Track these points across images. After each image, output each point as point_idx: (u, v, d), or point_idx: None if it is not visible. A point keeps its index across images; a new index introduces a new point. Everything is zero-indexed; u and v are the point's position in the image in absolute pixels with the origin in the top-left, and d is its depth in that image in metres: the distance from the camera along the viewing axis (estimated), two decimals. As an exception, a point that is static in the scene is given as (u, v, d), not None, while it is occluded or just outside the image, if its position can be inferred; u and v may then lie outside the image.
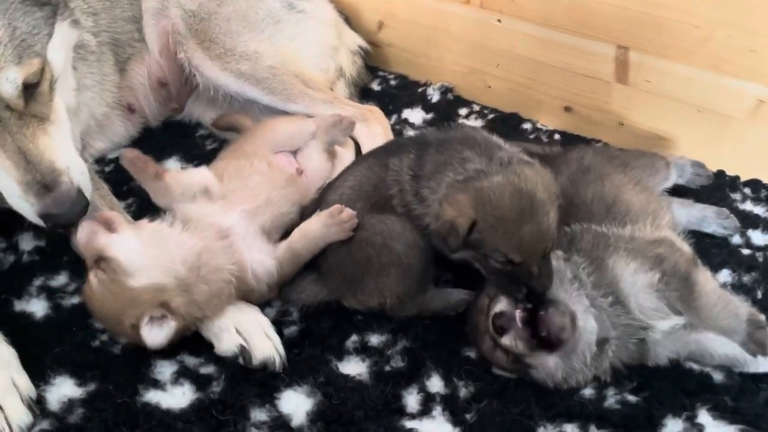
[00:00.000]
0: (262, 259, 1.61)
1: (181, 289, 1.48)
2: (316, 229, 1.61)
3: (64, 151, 1.54)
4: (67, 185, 1.49)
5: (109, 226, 1.52)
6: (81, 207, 1.51)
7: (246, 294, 1.61)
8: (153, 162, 1.65)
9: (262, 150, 1.85)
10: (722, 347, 1.47)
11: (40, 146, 1.49)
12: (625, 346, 1.47)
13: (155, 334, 1.45)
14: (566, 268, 1.48)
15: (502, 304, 1.44)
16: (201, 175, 1.70)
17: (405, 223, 1.58)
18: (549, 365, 1.43)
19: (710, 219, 1.83)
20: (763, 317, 1.39)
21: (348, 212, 1.59)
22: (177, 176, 1.67)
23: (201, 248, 1.53)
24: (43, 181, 1.47)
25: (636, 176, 1.71)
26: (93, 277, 1.48)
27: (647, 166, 1.79)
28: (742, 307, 1.39)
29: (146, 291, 1.45)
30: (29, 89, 1.48)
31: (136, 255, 1.48)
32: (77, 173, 1.53)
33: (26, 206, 1.49)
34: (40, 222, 1.51)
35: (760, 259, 1.78)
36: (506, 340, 1.42)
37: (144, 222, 1.60)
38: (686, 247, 1.52)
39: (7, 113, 1.46)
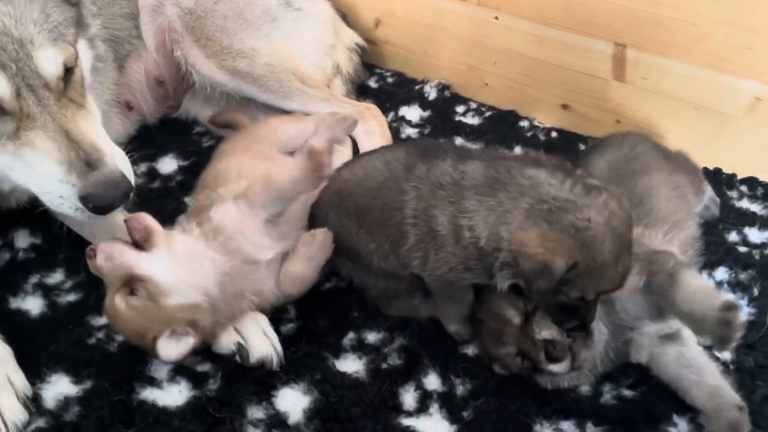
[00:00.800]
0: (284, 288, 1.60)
1: (211, 308, 1.46)
2: (294, 169, 1.56)
3: (104, 137, 1.50)
4: (112, 166, 1.43)
5: (146, 241, 1.46)
6: (124, 190, 1.44)
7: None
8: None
9: (272, 153, 1.82)
10: (666, 369, 1.45)
11: (81, 127, 1.44)
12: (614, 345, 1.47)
13: (172, 349, 1.42)
14: None
15: (550, 332, 1.40)
16: None
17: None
18: (560, 370, 1.42)
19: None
20: (737, 305, 1.33)
21: (326, 156, 1.57)
22: None
23: (230, 268, 1.50)
24: (87, 159, 1.41)
25: (679, 183, 1.66)
26: (120, 302, 1.42)
27: (694, 181, 1.75)
28: (717, 298, 1.33)
29: (180, 310, 1.42)
30: (66, 74, 1.46)
31: (171, 274, 1.44)
32: (120, 158, 1.48)
33: (67, 189, 1.40)
34: (77, 210, 1.42)
35: (757, 257, 1.79)
36: (556, 368, 1.40)
37: (175, 233, 1.55)
38: (683, 258, 1.49)
39: (47, 93, 1.41)
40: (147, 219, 1.51)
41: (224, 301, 1.49)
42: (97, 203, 1.42)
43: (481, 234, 1.37)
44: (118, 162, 1.46)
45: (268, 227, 1.57)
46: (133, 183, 1.48)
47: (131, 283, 1.43)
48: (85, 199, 1.41)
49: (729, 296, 1.39)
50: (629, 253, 1.34)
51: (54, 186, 1.42)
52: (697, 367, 1.45)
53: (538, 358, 1.40)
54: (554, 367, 1.39)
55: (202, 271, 1.48)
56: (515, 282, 1.38)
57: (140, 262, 1.44)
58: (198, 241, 1.52)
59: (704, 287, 1.38)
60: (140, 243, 1.48)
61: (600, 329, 1.44)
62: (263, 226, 1.56)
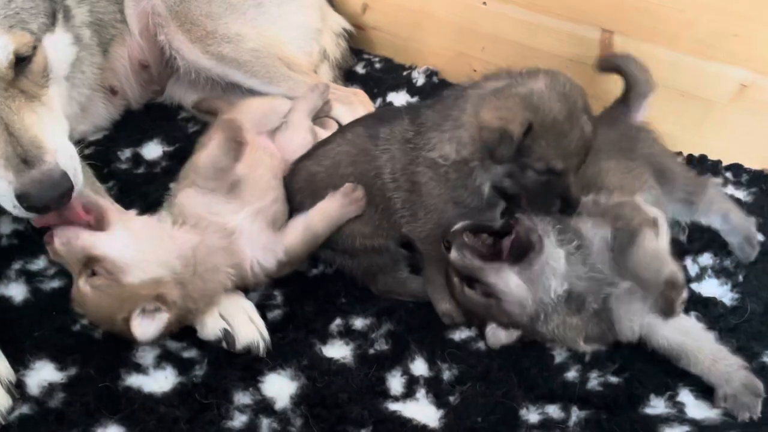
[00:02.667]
0: (264, 256, 1.59)
1: (177, 282, 1.45)
2: (334, 210, 1.61)
3: (52, 132, 1.45)
4: (51, 165, 1.38)
5: (99, 221, 1.45)
6: (62, 190, 1.39)
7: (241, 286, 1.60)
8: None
9: (250, 135, 1.82)
10: (666, 338, 1.46)
11: (25, 121, 1.40)
12: (595, 320, 1.48)
13: (146, 327, 1.41)
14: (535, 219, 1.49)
15: (455, 228, 1.47)
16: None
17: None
18: (512, 284, 1.43)
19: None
20: (683, 280, 1.36)
21: (361, 191, 1.61)
22: None
23: (196, 244, 1.50)
24: (24, 156, 1.37)
25: (631, 166, 1.65)
26: (84, 285, 1.42)
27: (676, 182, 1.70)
28: (667, 267, 1.36)
29: (143, 286, 1.41)
30: (20, 64, 1.43)
31: (130, 251, 1.43)
32: (65, 156, 1.44)
33: (3, 185, 1.38)
34: (15, 207, 1.40)
35: (741, 243, 1.80)
36: (454, 255, 1.45)
37: (132, 214, 1.57)
38: (652, 212, 1.50)
39: None
40: (98, 199, 1.51)
41: (196, 275, 1.48)
42: (32, 203, 1.38)
43: (450, 150, 1.48)
44: (61, 160, 1.41)
45: (230, 197, 1.59)
46: (76, 182, 1.43)
47: (91, 265, 1.42)
48: (20, 198, 1.37)
49: (676, 270, 1.37)
50: (585, 117, 1.40)
51: None
52: (696, 333, 1.47)
53: (450, 261, 1.46)
54: (452, 255, 1.44)
55: (161, 246, 1.47)
56: (494, 179, 1.46)
57: (96, 242, 1.43)
58: (160, 221, 1.54)
59: (657, 252, 1.40)
60: (95, 224, 1.46)
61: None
62: (225, 199, 1.59)
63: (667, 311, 1.38)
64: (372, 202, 1.61)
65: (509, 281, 1.44)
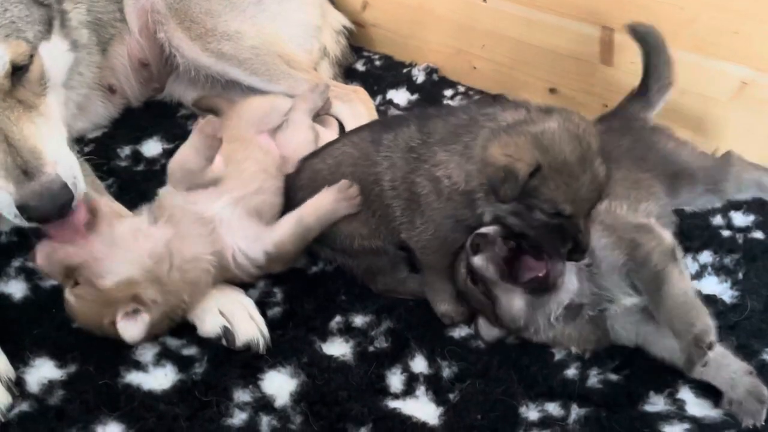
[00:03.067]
0: (246, 248, 1.58)
1: (150, 280, 1.45)
2: (327, 204, 1.60)
3: (51, 142, 1.44)
4: (51, 176, 1.38)
5: (90, 221, 1.46)
6: (63, 201, 1.39)
7: (230, 279, 1.60)
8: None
9: (249, 134, 1.82)
10: (666, 350, 1.45)
11: (24, 131, 1.40)
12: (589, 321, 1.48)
13: (131, 329, 1.43)
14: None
15: (487, 228, 1.43)
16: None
17: None
18: (514, 306, 1.43)
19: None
20: (713, 340, 1.32)
21: (356, 189, 1.59)
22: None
23: (170, 237, 1.51)
24: (25, 167, 1.37)
25: (636, 174, 1.63)
26: (69, 295, 1.45)
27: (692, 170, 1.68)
28: (699, 320, 1.34)
29: (118, 288, 1.43)
30: (17, 73, 1.42)
31: (101, 255, 1.44)
32: (65, 167, 1.43)
33: (4, 196, 1.39)
34: (16, 217, 1.40)
35: (741, 241, 1.79)
36: (478, 260, 1.42)
37: (124, 217, 1.59)
38: (667, 237, 1.48)
39: None
40: (98, 203, 1.50)
41: (173, 269, 1.48)
42: (32, 214, 1.38)
43: (458, 178, 1.44)
44: (61, 170, 1.41)
45: (209, 189, 1.59)
46: (77, 192, 1.44)
47: (72, 275, 1.44)
48: (21, 209, 1.38)
49: (710, 325, 1.34)
50: (599, 161, 1.35)
51: None
52: None
53: (468, 255, 1.43)
54: (476, 260, 1.41)
55: (131, 246, 1.48)
56: (498, 214, 1.42)
57: (71, 253, 1.44)
58: (142, 220, 1.55)
59: (689, 302, 1.36)
60: (89, 226, 1.47)
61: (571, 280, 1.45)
62: (202, 191, 1.59)
63: (687, 368, 1.36)
64: (370, 206, 1.60)
65: (514, 303, 1.43)
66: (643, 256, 1.41)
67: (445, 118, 1.54)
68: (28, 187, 1.37)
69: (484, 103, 1.53)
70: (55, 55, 1.57)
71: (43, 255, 1.45)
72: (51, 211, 1.38)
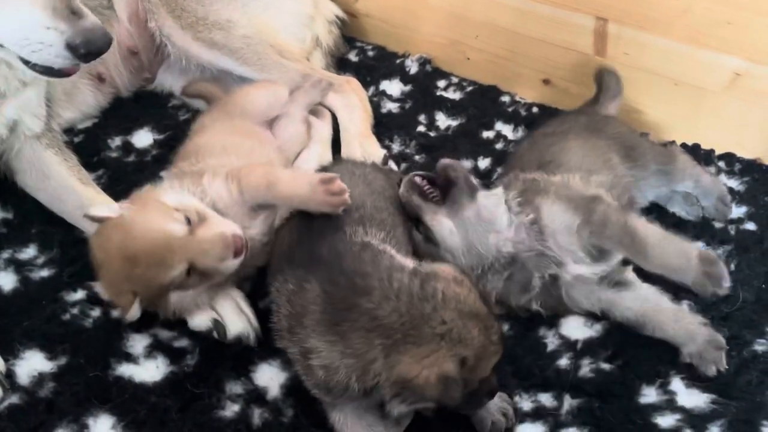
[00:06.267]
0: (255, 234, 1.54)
1: None
2: (301, 187, 1.44)
3: None
4: (93, 17, 1.45)
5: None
6: (109, 40, 1.46)
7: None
8: None
9: (252, 125, 1.79)
10: (629, 309, 1.51)
11: None
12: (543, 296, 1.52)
13: (137, 309, 1.41)
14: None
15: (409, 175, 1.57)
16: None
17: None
18: (445, 229, 1.50)
19: (676, 201, 1.85)
20: (713, 254, 1.42)
21: (340, 185, 1.42)
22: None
23: None
24: (71, 7, 1.41)
25: (600, 148, 1.71)
26: (177, 272, 1.36)
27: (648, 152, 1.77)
28: (690, 245, 1.41)
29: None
30: None
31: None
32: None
33: (53, 36, 1.40)
34: (58, 57, 1.42)
35: (733, 232, 1.80)
36: (401, 190, 1.54)
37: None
38: (614, 202, 1.54)
39: None
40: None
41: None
42: (91, 48, 1.43)
43: (343, 378, 1.22)
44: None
45: (251, 214, 1.53)
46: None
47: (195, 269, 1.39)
48: (73, 47, 1.41)
49: (698, 245, 1.42)
50: (494, 320, 1.26)
51: (38, 33, 1.40)
52: (655, 298, 1.51)
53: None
54: (401, 191, 1.54)
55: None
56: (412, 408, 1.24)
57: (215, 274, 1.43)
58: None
59: (669, 237, 1.44)
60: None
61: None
62: (247, 213, 1.52)
63: (715, 285, 1.39)
64: None
65: (443, 225, 1.50)
66: (601, 218, 1.47)
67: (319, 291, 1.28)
68: (80, 23, 1.42)
69: (354, 283, 1.26)
70: None
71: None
72: (104, 45, 1.45)
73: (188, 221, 1.40)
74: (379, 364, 1.19)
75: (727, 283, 1.41)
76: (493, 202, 1.53)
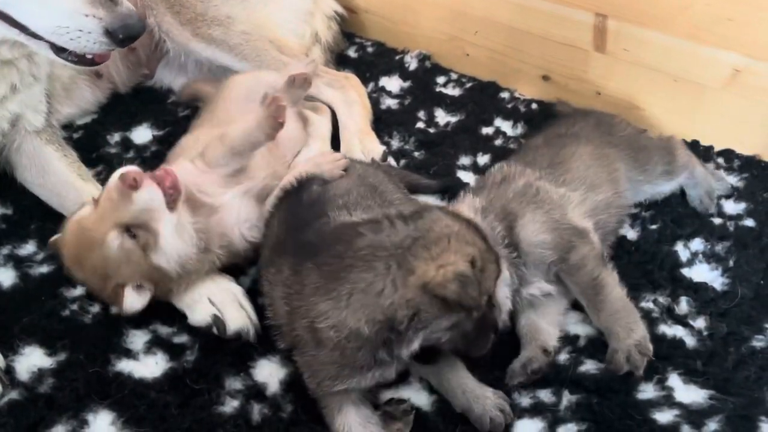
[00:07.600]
0: (247, 231, 1.58)
1: (178, 277, 1.48)
2: (247, 122, 1.58)
3: None
4: (127, 2, 1.51)
5: (173, 196, 1.44)
6: (143, 25, 1.54)
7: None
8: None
9: (237, 118, 1.79)
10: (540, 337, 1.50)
11: None
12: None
13: (135, 300, 1.44)
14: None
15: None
16: None
17: None
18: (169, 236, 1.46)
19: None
20: (650, 347, 1.40)
21: (278, 99, 1.55)
22: None
23: (203, 225, 1.51)
24: None
25: (609, 158, 1.70)
26: (117, 236, 1.39)
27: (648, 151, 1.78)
28: (638, 326, 1.42)
29: (158, 270, 1.44)
30: None
31: (171, 239, 1.44)
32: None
33: (91, 23, 1.45)
34: (96, 43, 1.47)
35: (732, 228, 1.80)
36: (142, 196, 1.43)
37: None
38: (598, 244, 1.53)
39: None
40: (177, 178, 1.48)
41: (196, 261, 1.49)
42: (128, 33, 1.48)
43: (354, 325, 1.21)
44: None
45: (227, 180, 1.59)
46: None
47: (134, 228, 1.41)
48: (112, 32, 1.47)
49: (646, 336, 1.43)
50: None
51: (77, 20, 1.45)
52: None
53: None
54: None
55: (189, 242, 1.48)
56: (431, 334, 1.24)
57: (160, 217, 1.43)
58: (185, 213, 1.51)
59: (627, 308, 1.45)
60: (168, 199, 1.45)
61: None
62: (222, 180, 1.58)
63: (633, 368, 1.39)
64: None
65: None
66: (578, 260, 1.47)
67: (317, 263, 1.29)
68: (118, 10, 1.48)
69: (342, 233, 1.31)
70: None
71: (149, 191, 1.41)
72: (141, 29, 1.52)
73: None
74: (389, 289, 1.19)
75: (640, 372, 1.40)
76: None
